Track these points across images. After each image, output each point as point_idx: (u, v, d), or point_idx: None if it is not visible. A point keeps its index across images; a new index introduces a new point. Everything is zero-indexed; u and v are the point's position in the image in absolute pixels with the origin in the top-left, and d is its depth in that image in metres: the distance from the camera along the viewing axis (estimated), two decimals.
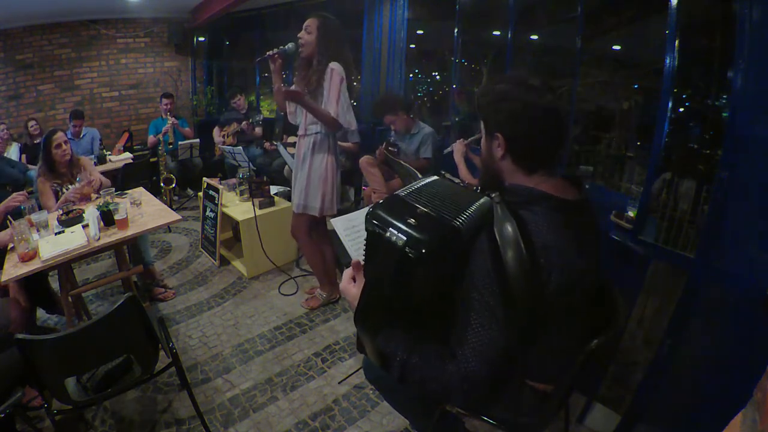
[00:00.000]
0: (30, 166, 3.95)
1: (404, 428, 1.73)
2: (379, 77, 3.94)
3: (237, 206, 3.01)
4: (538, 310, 0.82)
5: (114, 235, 2.05)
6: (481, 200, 0.87)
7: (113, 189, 2.45)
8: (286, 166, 3.77)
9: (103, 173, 2.95)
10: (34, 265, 1.80)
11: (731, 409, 0.58)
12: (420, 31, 4.26)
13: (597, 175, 2.60)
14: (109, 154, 4.27)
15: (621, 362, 1.62)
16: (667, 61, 1.43)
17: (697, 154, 1.65)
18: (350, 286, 0.94)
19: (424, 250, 0.75)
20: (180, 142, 4.35)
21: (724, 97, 1.65)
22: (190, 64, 6.04)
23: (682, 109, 1.71)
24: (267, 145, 4.43)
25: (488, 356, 0.80)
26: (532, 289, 0.79)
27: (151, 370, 1.54)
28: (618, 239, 1.59)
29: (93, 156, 3.98)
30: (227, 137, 4.43)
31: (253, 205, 2.85)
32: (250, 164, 3.66)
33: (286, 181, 3.66)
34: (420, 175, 2.15)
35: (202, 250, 3.37)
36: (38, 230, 2.01)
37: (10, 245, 1.92)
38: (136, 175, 3.77)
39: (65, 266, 2.03)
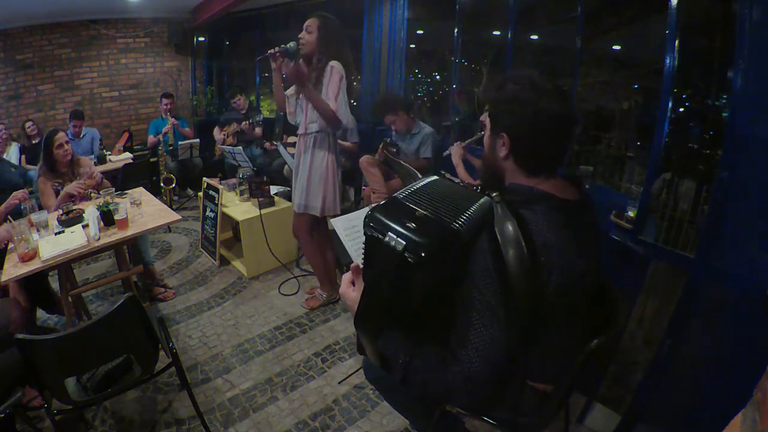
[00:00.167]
0: (29, 167, 3.94)
1: (404, 428, 1.73)
2: (379, 77, 3.94)
3: (237, 206, 3.01)
4: (538, 310, 0.82)
5: (114, 235, 2.05)
6: (481, 200, 0.87)
7: (113, 189, 2.45)
8: (286, 166, 3.77)
9: (103, 173, 2.95)
10: (34, 265, 1.80)
11: (731, 409, 0.58)
12: (420, 31, 4.26)
13: (597, 175, 2.60)
14: (109, 154, 4.27)
15: (621, 362, 1.62)
16: (667, 61, 1.43)
17: (697, 154, 1.65)
18: (349, 290, 0.94)
19: (423, 254, 0.74)
20: (180, 142, 4.35)
21: (724, 97, 1.65)
22: (190, 64, 6.04)
23: (682, 109, 1.71)
24: (267, 145, 4.43)
25: (491, 356, 0.80)
26: (533, 288, 0.79)
27: (151, 370, 1.54)
28: (618, 239, 1.59)
29: (93, 156, 3.98)
30: (227, 137, 4.43)
31: (259, 205, 2.86)
32: (251, 164, 3.66)
33: (286, 181, 3.66)
34: (420, 175, 2.15)
35: (202, 250, 3.37)
36: (38, 230, 2.01)
37: (11, 245, 1.92)
38: (136, 175, 3.77)
39: (65, 266, 2.03)
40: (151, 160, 4.38)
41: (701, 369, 1.36)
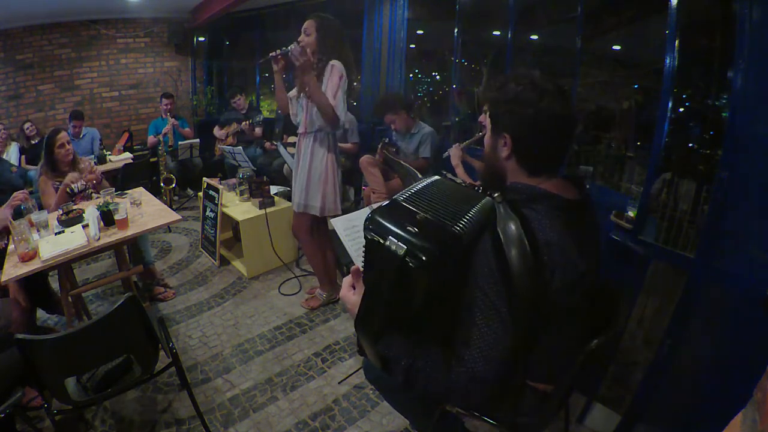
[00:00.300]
0: (29, 167, 3.94)
1: (404, 428, 1.73)
2: (379, 77, 3.94)
3: (237, 206, 3.01)
4: (541, 309, 0.82)
5: (114, 235, 2.05)
6: (483, 201, 0.86)
7: (113, 189, 2.45)
8: (286, 166, 3.77)
9: (103, 173, 2.95)
10: (34, 265, 1.79)
11: (731, 409, 0.58)
12: (420, 31, 4.25)
13: (597, 175, 2.60)
14: (109, 154, 4.27)
15: (621, 362, 1.62)
16: (667, 61, 1.43)
17: (697, 154, 1.65)
18: (350, 293, 0.93)
19: (424, 258, 0.73)
20: (180, 142, 4.35)
21: (724, 97, 1.65)
22: (190, 64, 6.04)
23: (682, 109, 1.71)
24: (267, 144, 4.43)
25: (495, 356, 0.80)
26: (536, 287, 0.79)
27: (151, 370, 1.54)
28: (618, 239, 1.59)
29: (93, 156, 3.98)
30: (228, 137, 4.44)
31: (264, 205, 2.86)
32: (251, 164, 3.66)
33: (286, 181, 3.66)
34: (420, 175, 2.14)
35: (202, 250, 3.37)
36: (38, 230, 2.01)
37: (11, 245, 1.92)
38: (136, 175, 3.77)
39: (65, 266, 2.03)
40: (151, 160, 4.38)
41: (701, 369, 1.36)
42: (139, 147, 4.91)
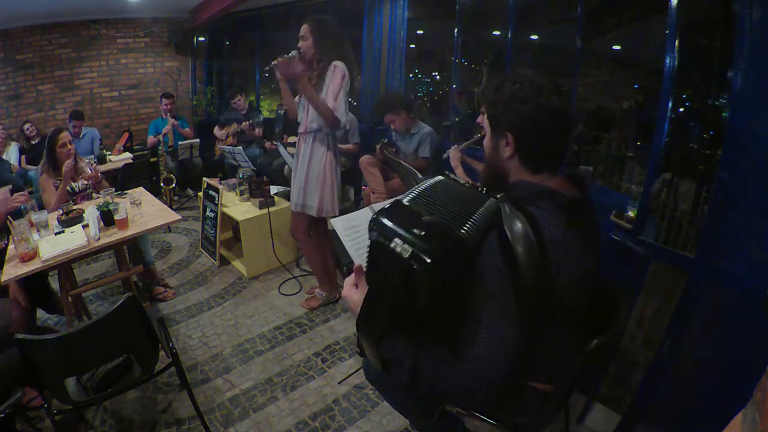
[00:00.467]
0: (29, 167, 3.94)
1: (404, 428, 1.73)
2: (379, 77, 3.94)
3: (237, 206, 3.01)
4: (546, 306, 0.82)
5: (114, 235, 2.05)
6: (487, 203, 0.86)
7: (113, 189, 2.46)
8: (286, 166, 3.77)
9: (103, 173, 2.95)
10: (34, 265, 1.80)
11: (731, 409, 0.58)
12: (420, 31, 4.25)
13: (597, 175, 2.60)
14: (109, 154, 4.28)
15: (621, 362, 1.62)
16: (667, 61, 1.43)
17: (697, 154, 1.65)
18: (353, 292, 0.93)
19: (429, 261, 0.73)
20: (180, 142, 4.35)
21: (724, 97, 1.65)
22: (190, 64, 6.04)
23: (682, 109, 1.71)
24: (267, 144, 4.43)
25: (501, 354, 0.80)
26: (542, 283, 0.79)
27: (151, 370, 1.54)
28: (618, 239, 1.59)
29: (93, 156, 3.98)
30: (228, 137, 4.43)
31: (266, 205, 2.86)
32: (251, 164, 3.66)
33: (286, 181, 3.65)
34: (420, 175, 2.14)
35: (202, 250, 3.37)
36: (38, 230, 2.01)
37: (11, 245, 1.92)
38: (136, 175, 3.77)
39: (65, 266, 2.03)
40: (151, 160, 4.38)
41: (701, 369, 1.36)
42: (139, 147, 4.91)
